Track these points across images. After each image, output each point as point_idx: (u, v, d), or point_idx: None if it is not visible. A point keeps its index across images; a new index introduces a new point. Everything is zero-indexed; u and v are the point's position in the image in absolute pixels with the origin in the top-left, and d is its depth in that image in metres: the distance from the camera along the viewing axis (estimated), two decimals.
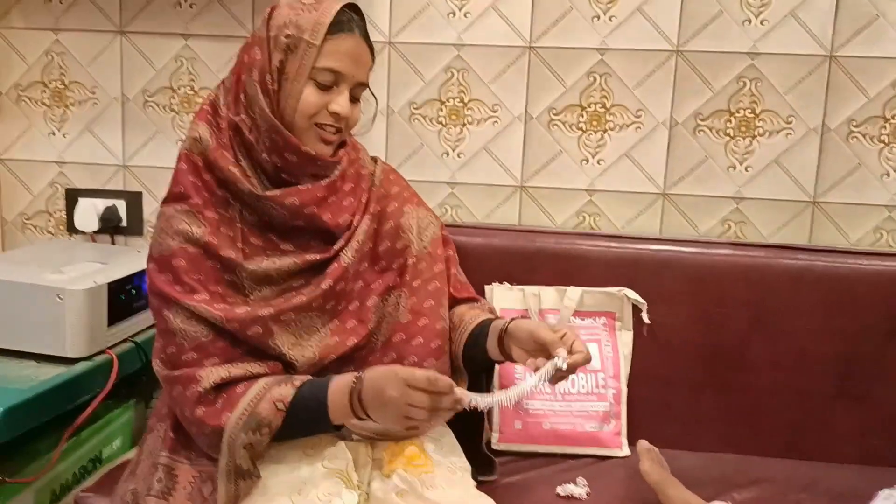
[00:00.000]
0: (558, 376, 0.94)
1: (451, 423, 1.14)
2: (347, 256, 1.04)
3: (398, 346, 1.07)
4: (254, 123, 0.99)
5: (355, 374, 0.94)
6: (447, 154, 1.58)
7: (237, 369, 0.96)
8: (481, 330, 1.08)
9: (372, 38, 1.04)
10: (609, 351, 1.39)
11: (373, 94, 1.09)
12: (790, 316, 1.36)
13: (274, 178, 1.02)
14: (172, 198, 1.01)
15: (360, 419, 0.93)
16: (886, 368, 1.34)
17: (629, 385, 1.38)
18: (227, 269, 0.99)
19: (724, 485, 1.21)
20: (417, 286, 1.10)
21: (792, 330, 1.36)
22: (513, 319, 1.04)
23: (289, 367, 0.99)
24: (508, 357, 1.04)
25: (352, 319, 1.04)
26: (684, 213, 1.54)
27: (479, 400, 0.91)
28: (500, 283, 1.42)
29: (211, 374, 0.94)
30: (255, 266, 0.99)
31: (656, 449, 1.19)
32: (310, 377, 0.98)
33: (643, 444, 1.20)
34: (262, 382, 0.95)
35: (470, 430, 1.15)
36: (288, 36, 0.97)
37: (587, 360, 0.95)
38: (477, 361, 1.09)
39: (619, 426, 1.36)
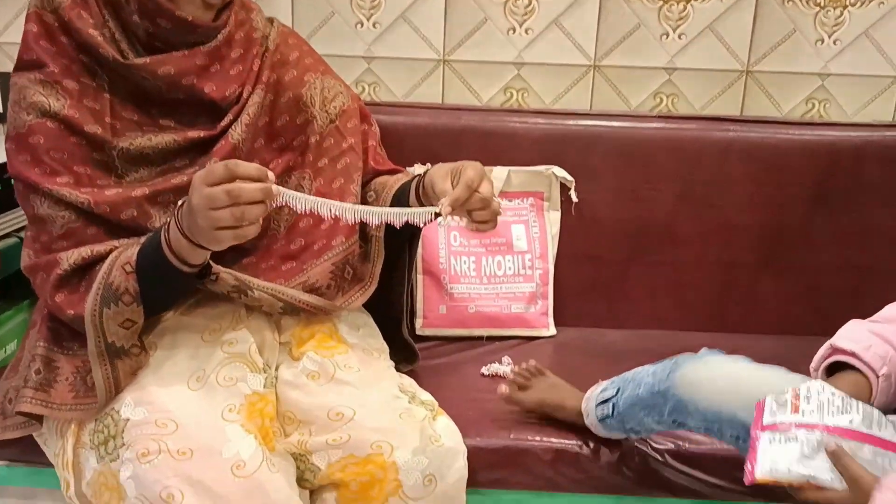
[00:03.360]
0: (477, 221, 0.87)
1: (371, 310, 1.08)
2: (237, 133, 0.93)
3: (305, 232, 0.99)
4: None
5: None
6: (361, 24, 1.43)
7: (101, 246, 0.85)
8: (402, 191, 1.00)
9: None
10: (536, 231, 1.34)
11: None
12: (719, 189, 1.34)
13: (147, 45, 0.89)
14: (24, 65, 0.88)
15: (198, 246, 0.78)
16: (809, 238, 1.34)
17: (556, 265, 1.35)
18: (94, 146, 0.87)
19: (646, 357, 1.20)
20: (323, 166, 1.01)
21: (720, 203, 1.34)
22: (427, 171, 0.94)
23: None
24: None
25: None
26: (615, 86, 1.46)
27: (296, 200, 0.78)
28: (423, 163, 1.34)
29: (71, 254, 0.85)
30: (126, 143, 0.88)
31: (512, 376, 1.09)
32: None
33: (501, 390, 1.07)
34: (114, 253, 0.85)
35: (392, 318, 1.10)
36: None
37: (457, 201, 0.84)
38: (402, 227, 1.00)
39: (546, 306, 1.33)
